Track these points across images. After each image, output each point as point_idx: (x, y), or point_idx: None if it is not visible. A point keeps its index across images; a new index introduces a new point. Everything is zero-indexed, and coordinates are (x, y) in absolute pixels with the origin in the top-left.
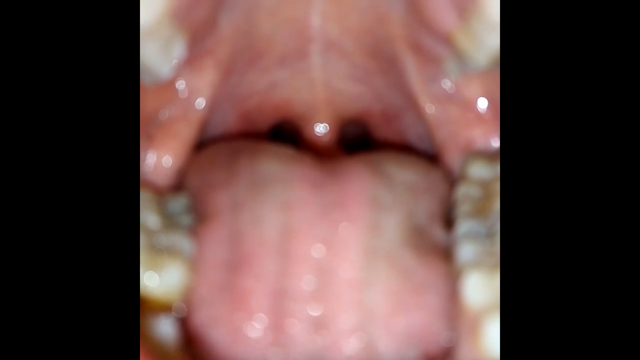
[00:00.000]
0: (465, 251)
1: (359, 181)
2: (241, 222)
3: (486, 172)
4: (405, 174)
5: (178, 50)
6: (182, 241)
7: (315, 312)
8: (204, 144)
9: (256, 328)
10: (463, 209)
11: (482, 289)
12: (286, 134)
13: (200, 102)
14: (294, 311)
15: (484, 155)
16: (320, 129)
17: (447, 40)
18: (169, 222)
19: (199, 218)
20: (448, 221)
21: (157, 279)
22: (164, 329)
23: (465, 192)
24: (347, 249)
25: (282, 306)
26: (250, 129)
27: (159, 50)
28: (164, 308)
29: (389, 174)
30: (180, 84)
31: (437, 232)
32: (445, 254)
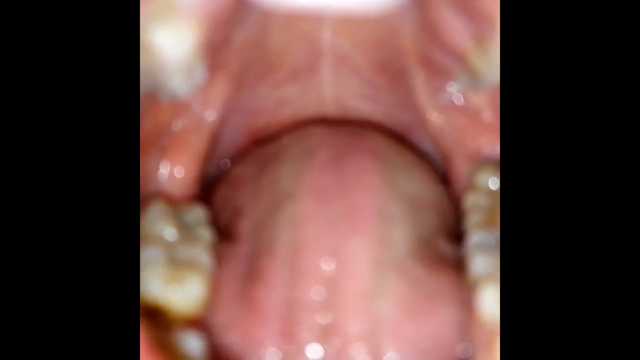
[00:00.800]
0: (479, 263)
1: (368, 193)
2: (260, 244)
3: (495, 181)
4: (412, 185)
5: (199, 74)
6: (202, 256)
7: (324, 320)
8: (215, 157)
9: (267, 333)
10: (473, 219)
11: (497, 303)
12: None
13: (212, 115)
14: (304, 319)
15: (492, 162)
16: None
17: (459, 59)
18: (187, 234)
19: (221, 234)
20: (456, 234)
21: (179, 292)
22: (190, 343)
23: (474, 202)
24: (355, 262)
25: (293, 314)
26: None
27: (183, 79)
28: (187, 321)
29: (397, 184)
30: (194, 97)
31: (443, 245)
32: (455, 266)
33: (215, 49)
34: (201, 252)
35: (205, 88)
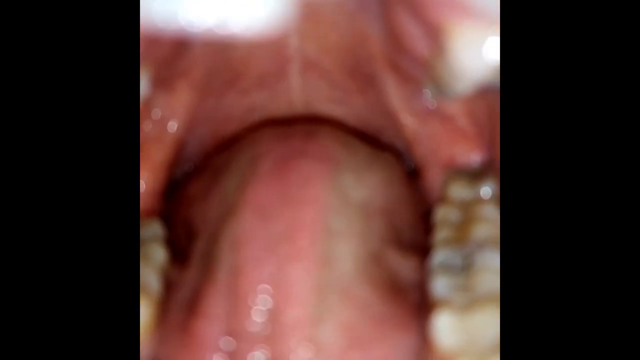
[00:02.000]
0: (439, 286)
1: (311, 207)
2: (200, 268)
3: (467, 193)
4: (362, 191)
5: (142, 87)
6: (151, 278)
7: (265, 353)
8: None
9: None
10: (441, 235)
11: (453, 331)
12: None
13: (173, 125)
14: (245, 352)
15: (466, 174)
16: None
17: (424, 67)
18: (141, 254)
19: (179, 256)
20: (419, 245)
21: None
22: None
23: (444, 216)
24: (295, 288)
25: (233, 348)
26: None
27: None
28: None
29: (345, 192)
30: (154, 106)
31: (392, 259)
32: (413, 285)
33: (155, 57)
34: (151, 274)
35: (166, 97)
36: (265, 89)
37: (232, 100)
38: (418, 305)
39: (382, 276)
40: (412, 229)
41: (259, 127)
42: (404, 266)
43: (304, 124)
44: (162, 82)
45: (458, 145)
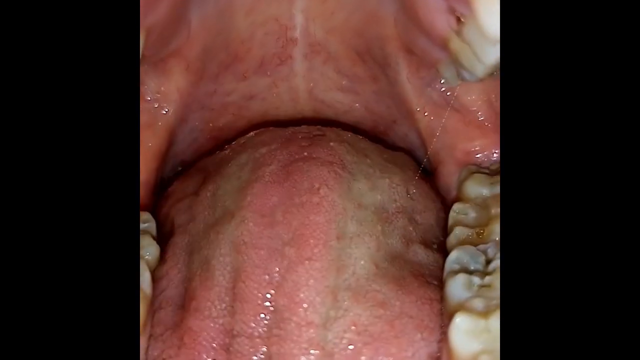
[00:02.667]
0: (455, 288)
1: (322, 211)
2: (193, 266)
3: (485, 191)
4: (376, 196)
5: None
6: (145, 276)
7: (266, 355)
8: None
9: None
10: (456, 235)
11: (469, 336)
12: None
13: (167, 108)
14: (244, 352)
15: (484, 170)
16: None
17: (442, 46)
18: None
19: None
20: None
21: None
22: None
23: (460, 215)
24: (302, 290)
25: (231, 348)
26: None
27: None
28: None
29: (357, 196)
30: (146, 88)
31: (420, 255)
32: (432, 282)
33: (150, 19)
34: (144, 271)
35: (159, 77)
36: (266, 75)
37: (229, 85)
38: (434, 299)
39: (402, 276)
40: (437, 227)
41: (258, 126)
42: (429, 265)
43: (308, 122)
44: (155, 63)
45: (476, 141)
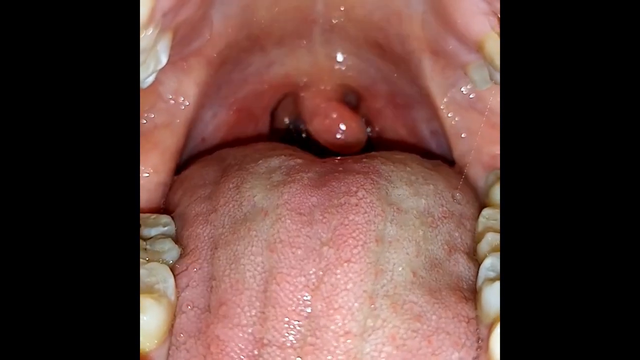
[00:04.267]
0: (493, 297)
1: (362, 213)
2: (219, 264)
3: None
4: (420, 199)
5: (162, 54)
6: (165, 279)
7: None
8: (191, 147)
9: None
10: (488, 242)
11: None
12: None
13: (186, 102)
14: None
15: None
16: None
17: (476, 47)
18: (150, 252)
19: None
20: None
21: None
22: None
23: (490, 221)
24: (340, 295)
25: (262, 357)
26: (245, 121)
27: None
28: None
29: (398, 200)
30: (165, 87)
31: (461, 265)
32: (472, 292)
33: (178, 20)
34: (164, 275)
35: (178, 76)
36: (285, 46)
37: (249, 61)
38: (476, 327)
39: (439, 289)
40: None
41: (278, 88)
42: (467, 279)
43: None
44: (174, 62)
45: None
